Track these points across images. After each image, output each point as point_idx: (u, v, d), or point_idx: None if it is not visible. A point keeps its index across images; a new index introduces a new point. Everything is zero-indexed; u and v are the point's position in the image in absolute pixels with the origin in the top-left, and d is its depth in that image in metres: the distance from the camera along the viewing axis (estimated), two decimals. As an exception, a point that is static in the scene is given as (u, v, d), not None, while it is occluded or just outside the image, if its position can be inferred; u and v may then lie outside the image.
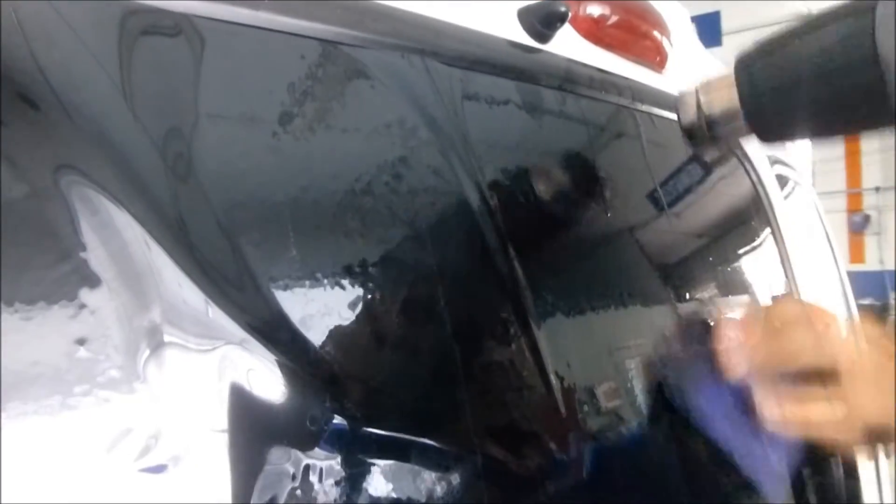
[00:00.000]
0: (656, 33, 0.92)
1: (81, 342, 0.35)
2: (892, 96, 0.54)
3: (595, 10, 0.83)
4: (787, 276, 1.10)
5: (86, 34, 0.41)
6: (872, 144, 9.87)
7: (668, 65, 0.96)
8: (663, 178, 0.85)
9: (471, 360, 0.53)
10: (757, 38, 0.64)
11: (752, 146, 1.11)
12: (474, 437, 0.51)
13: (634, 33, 0.88)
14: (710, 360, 0.66)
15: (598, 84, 0.78)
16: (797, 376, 0.59)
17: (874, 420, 0.57)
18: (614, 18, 0.85)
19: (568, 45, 0.77)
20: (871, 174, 9.87)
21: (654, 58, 0.93)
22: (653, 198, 0.85)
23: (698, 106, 0.67)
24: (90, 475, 0.34)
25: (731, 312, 0.91)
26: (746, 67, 0.63)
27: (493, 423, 0.54)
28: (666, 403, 0.74)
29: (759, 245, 1.05)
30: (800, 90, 0.59)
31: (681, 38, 1.05)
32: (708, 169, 1.00)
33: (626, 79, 0.85)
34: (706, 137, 0.68)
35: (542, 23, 0.70)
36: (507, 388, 0.56)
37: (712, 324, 0.83)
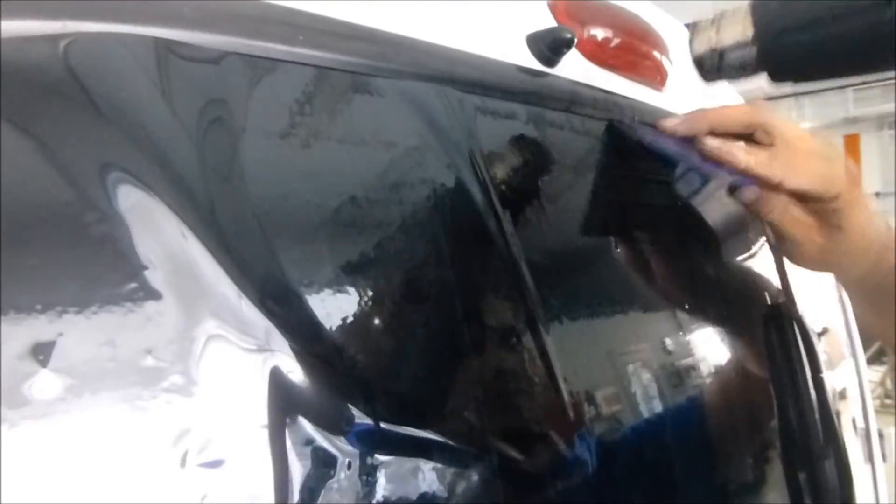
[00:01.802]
0: (656, 53, 0.97)
1: (148, 351, 0.39)
2: None
3: (598, 34, 0.87)
4: (782, 283, 1.14)
5: (141, 65, 0.45)
6: (872, 150, 9.91)
7: (668, 83, 1.01)
8: (663, 189, 0.90)
9: (486, 364, 0.58)
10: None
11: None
12: (490, 437, 0.55)
13: (636, 54, 0.93)
14: None
15: (602, 104, 0.82)
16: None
17: (795, 184, 0.65)
18: (616, 41, 0.90)
19: (573, 67, 0.81)
20: (872, 179, 9.91)
21: (655, 77, 0.97)
22: (652, 208, 0.90)
23: (710, 37, 0.69)
24: (158, 470, 0.38)
25: (726, 327, 0.95)
26: (763, 4, 0.66)
27: (506, 425, 0.58)
28: (671, 404, 0.78)
29: (757, 255, 1.09)
30: (815, 29, 0.62)
31: (679, 56, 1.09)
32: (705, 179, 1.04)
33: (628, 98, 0.89)
34: (715, 69, 0.70)
35: (550, 48, 0.74)
36: (519, 392, 0.60)
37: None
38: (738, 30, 0.67)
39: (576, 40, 0.76)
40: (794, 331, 0.98)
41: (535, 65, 0.75)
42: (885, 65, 0.64)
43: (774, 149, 0.67)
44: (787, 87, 0.80)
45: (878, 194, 9.91)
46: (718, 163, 0.70)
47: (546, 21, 0.80)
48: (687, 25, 0.76)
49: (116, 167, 0.41)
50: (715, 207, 1.07)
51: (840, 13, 0.61)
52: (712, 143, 0.69)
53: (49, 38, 0.41)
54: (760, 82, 0.74)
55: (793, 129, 0.68)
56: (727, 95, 1.40)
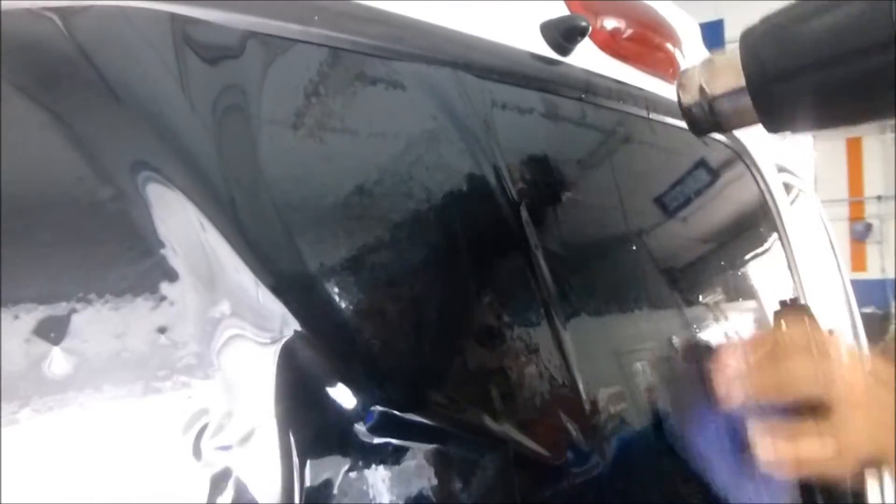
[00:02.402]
0: (669, 45, 0.96)
1: (162, 331, 0.38)
2: None
3: (611, 24, 0.86)
4: (794, 282, 1.13)
5: (154, 45, 0.44)
6: (875, 153, 9.91)
7: (680, 76, 0.99)
8: (678, 184, 0.89)
9: (500, 355, 0.57)
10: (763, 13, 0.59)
11: (760, 153, 1.14)
12: (506, 426, 0.54)
13: (648, 45, 0.92)
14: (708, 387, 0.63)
15: (616, 94, 0.81)
16: (790, 407, 0.56)
17: (868, 453, 0.55)
18: (629, 31, 0.89)
19: (586, 56, 0.80)
20: (873, 183, 9.90)
21: (667, 69, 0.96)
22: (667, 204, 0.89)
23: (701, 86, 0.61)
24: (172, 452, 0.37)
25: (740, 323, 0.94)
26: (753, 47, 0.58)
27: (521, 415, 0.57)
28: (681, 402, 0.77)
29: (769, 251, 1.08)
30: (812, 74, 0.55)
31: (691, 49, 1.08)
32: (716, 175, 1.03)
33: (642, 89, 0.88)
34: (708, 121, 0.62)
35: (564, 36, 0.73)
36: (534, 384, 0.59)
37: (715, 346, 0.81)
38: (729, 77, 0.60)
39: (590, 29, 0.75)
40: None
41: (549, 53, 0.74)
42: (892, 112, 0.56)
43: (835, 421, 0.55)
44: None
45: (879, 198, 9.91)
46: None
47: (559, 10, 0.79)
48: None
49: (130, 148, 0.40)
50: (724, 203, 1.07)
51: (841, 55, 0.53)
52: (772, 456, 0.57)
53: (62, 10, 0.40)
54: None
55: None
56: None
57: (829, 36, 0.54)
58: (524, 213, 0.61)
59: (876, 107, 0.57)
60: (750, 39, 0.58)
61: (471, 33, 0.65)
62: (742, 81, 0.58)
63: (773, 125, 0.60)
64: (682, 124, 0.95)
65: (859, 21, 0.53)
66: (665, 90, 0.95)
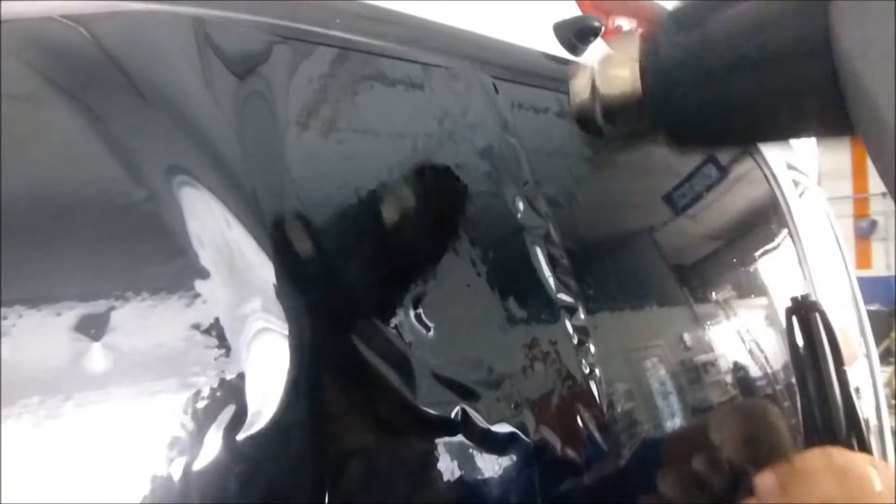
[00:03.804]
0: (679, 45, 0.97)
1: (197, 327, 0.39)
2: (848, 98, 0.39)
3: (623, 24, 0.87)
4: (805, 280, 1.14)
5: (184, 50, 0.45)
6: (879, 150, 9.87)
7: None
8: (691, 182, 0.90)
9: (523, 352, 0.57)
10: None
11: (771, 150, 1.15)
12: (527, 420, 0.55)
13: (659, 45, 0.93)
14: None
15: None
16: None
17: None
18: (640, 31, 0.90)
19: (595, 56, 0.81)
20: (878, 179, 9.87)
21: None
22: (672, 202, 0.89)
23: (593, 83, 0.49)
24: (202, 444, 0.38)
25: (752, 321, 0.95)
26: (653, 39, 0.46)
27: (541, 409, 0.58)
28: (693, 398, 0.78)
29: (778, 245, 1.09)
30: (722, 81, 0.43)
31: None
32: (724, 173, 1.04)
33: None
34: (600, 129, 0.50)
35: (577, 36, 0.74)
36: (553, 378, 0.60)
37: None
38: (625, 74, 0.47)
39: (603, 29, 0.76)
40: (818, 323, 0.98)
41: (561, 53, 0.75)
42: (827, 132, 0.45)
43: None
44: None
45: (884, 194, 9.88)
46: None
47: (571, 10, 0.80)
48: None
49: (161, 152, 0.41)
50: (734, 199, 1.07)
51: (758, 60, 0.41)
52: None
53: (93, 17, 0.41)
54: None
55: None
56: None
57: (745, 35, 0.42)
58: (543, 211, 0.62)
59: (800, 125, 0.46)
60: (653, 28, 0.47)
61: (486, 35, 0.66)
62: (639, 82, 0.46)
63: (676, 141, 0.49)
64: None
65: (782, 17, 0.41)
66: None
